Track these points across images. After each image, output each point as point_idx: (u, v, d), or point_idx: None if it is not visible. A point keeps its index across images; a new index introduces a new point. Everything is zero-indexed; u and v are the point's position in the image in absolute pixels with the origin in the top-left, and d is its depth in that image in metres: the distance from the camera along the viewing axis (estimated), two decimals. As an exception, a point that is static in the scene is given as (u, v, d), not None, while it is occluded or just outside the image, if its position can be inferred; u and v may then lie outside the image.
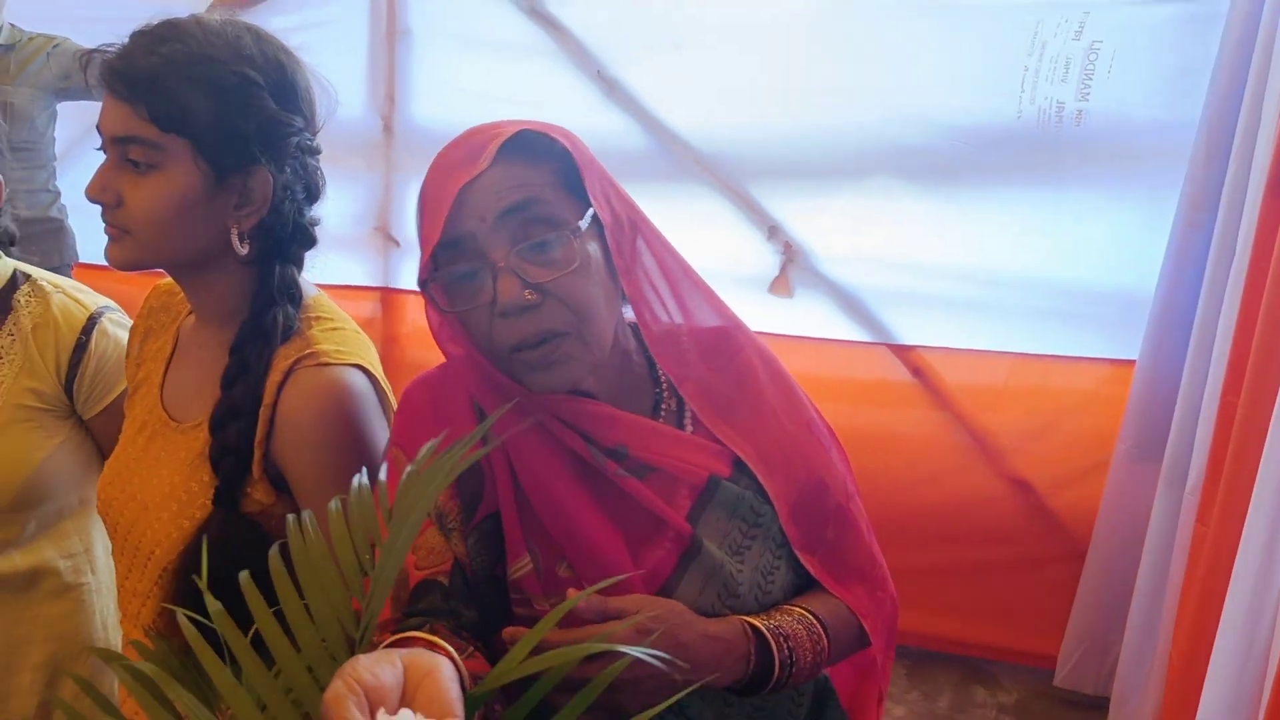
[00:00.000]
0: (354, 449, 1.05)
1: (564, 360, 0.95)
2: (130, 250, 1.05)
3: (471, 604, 0.98)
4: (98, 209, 1.08)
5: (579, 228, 0.94)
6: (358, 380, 1.08)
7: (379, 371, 1.12)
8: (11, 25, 2.97)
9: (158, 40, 1.03)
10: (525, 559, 0.99)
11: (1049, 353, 2.71)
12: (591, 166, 0.97)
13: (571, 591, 0.87)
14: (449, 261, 0.95)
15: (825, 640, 0.99)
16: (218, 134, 1.02)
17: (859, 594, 1.06)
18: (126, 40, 1.05)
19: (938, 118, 2.63)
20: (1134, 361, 2.56)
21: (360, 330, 1.15)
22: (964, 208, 2.70)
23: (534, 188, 0.94)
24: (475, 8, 2.92)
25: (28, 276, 1.43)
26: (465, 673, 0.71)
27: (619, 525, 0.98)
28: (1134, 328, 2.54)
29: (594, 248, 0.96)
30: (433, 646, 0.79)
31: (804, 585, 1.06)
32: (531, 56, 2.88)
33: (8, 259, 1.44)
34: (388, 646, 0.80)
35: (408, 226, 3.16)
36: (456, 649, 0.82)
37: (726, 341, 1.09)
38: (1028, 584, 2.81)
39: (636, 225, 1.01)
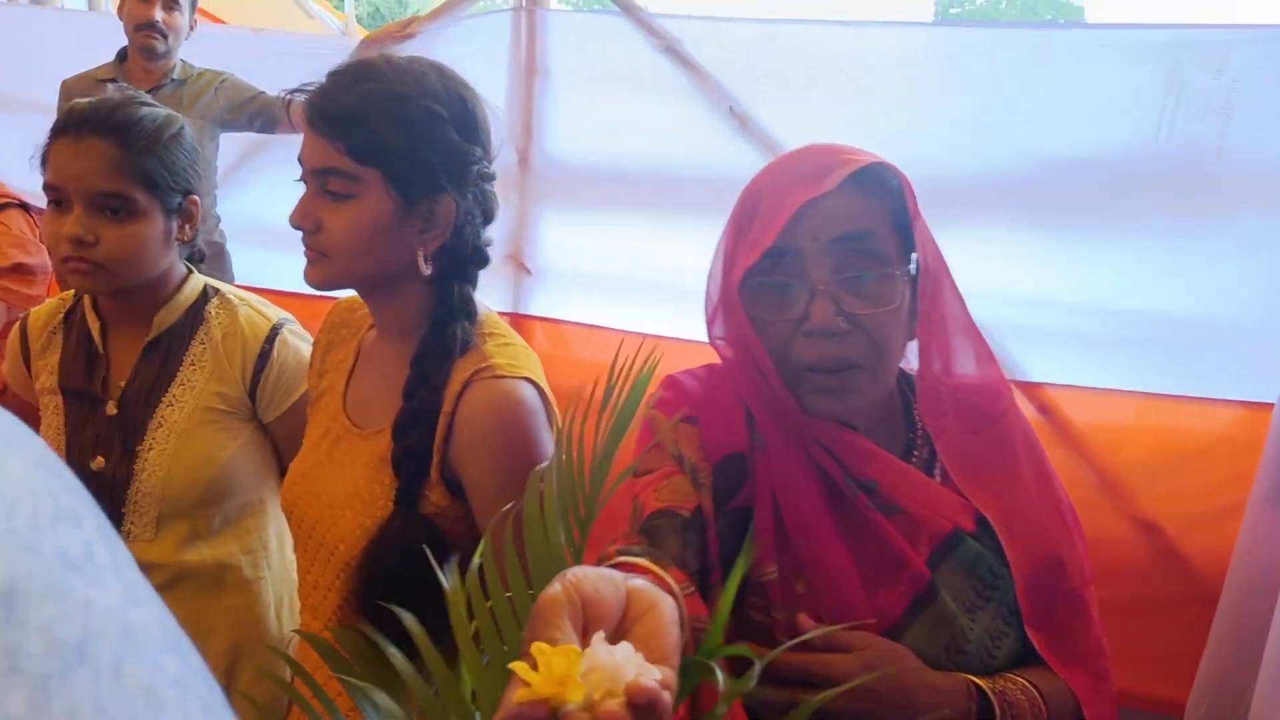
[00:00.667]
0: (524, 456, 1.13)
1: (852, 391, 0.98)
2: (327, 271, 1.15)
3: (699, 553, 0.99)
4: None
5: (907, 270, 0.98)
6: (529, 392, 1.15)
7: (546, 385, 1.19)
8: (183, 61, 3.19)
9: (354, 80, 1.13)
10: (772, 567, 1.00)
11: (1181, 393, 2.67)
12: (919, 212, 1.00)
13: (803, 617, 0.89)
14: (765, 269, 0.97)
15: (1045, 717, 0.98)
16: (408, 165, 1.11)
17: (1082, 680, 1.04)
18: (324, 80, 1.16)
19: (1070, 154, 2.62)
20: (1270, 405, 2.50)
21: (528, 346, 1.24)
22: (1095, 244, 2.69)
23: (871, 221, 0.97)
24: (611, 46, 3.03)
25: (216, 290, 1.56)
26: (686, 617, 0.67)
27: (857, 558, 0.99)
28: (1270, 370, 2.49)
29: (906, 291, 0.99)
30: (658, 581, 0.74)
31: (1027, 659, 1.04)
32: (665, 93, 2.96)
33: (199, 275, 1.57)
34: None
35: (540, 255, 3.27)
36: (678, 581, 0.79)
37: (989, 403, 1.08)
38: (1156, 627, 2.75)
39: (940, 274, 1.03)
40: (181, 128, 1.48)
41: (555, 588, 0.54)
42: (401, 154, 1.10)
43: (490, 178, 1.20)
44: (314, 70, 3.29)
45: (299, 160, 1.15)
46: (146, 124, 1.42)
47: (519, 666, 0.50)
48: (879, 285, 0.97)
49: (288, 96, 1.20)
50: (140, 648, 0.32)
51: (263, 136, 3.27)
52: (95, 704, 0.29)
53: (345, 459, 1.22)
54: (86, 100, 1.44)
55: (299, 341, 1.55)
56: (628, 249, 2.95)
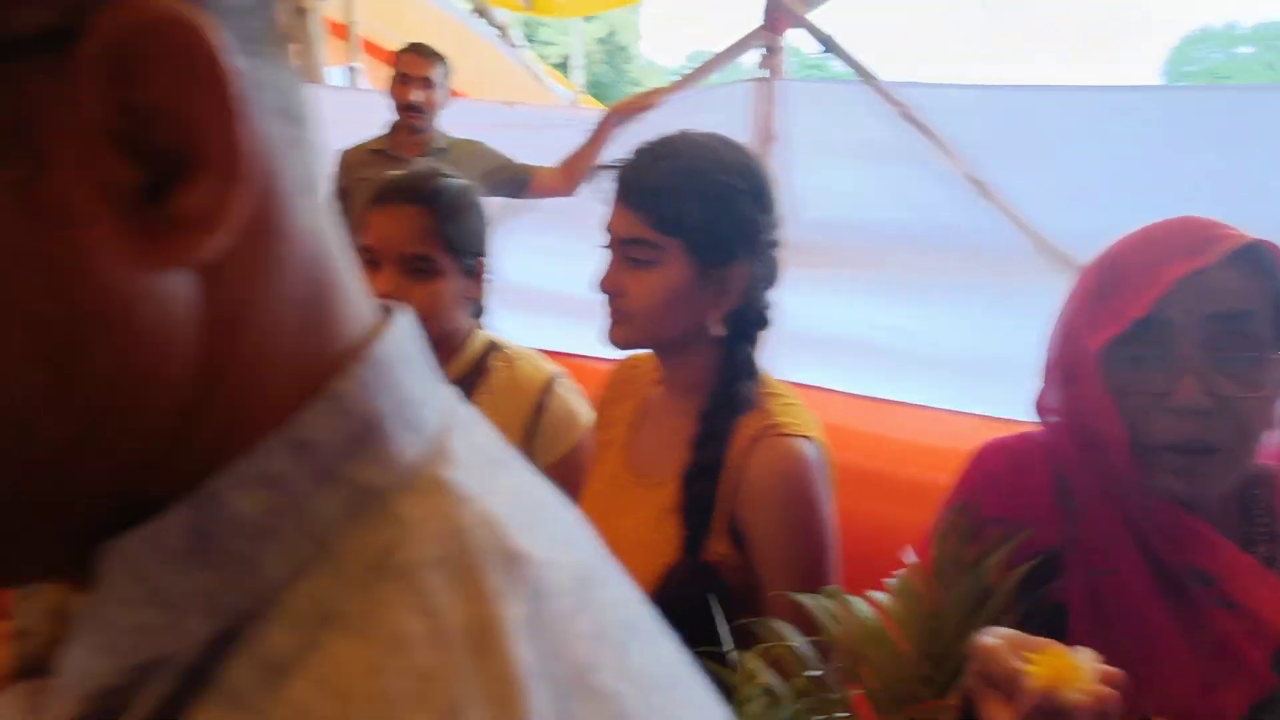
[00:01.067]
0: (806, 511, 1.18)
1: (1206, 476, 0.94)
2: (629, 333, 1.24)
3: None
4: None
5: None
6: (812, 450, 1.21)
7: (826, 444, 1.24)
8: (442, 132, 3.45)
9: (657, 157, 1.23)
10: None
11: None
12: None
13: None
14: (1126, 340, 0.95)
15: None
16: (707, 235, 1.20)
17: None
18: (630, 155, 1.26)
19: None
20: None
21: (807, 406, 1.29)
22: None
23: (1251, 301, 0.93)
24: (848, 114, 3.08)
25: (497, 345, 1.69)
26: None
27: (1191, 654, 0.94)
28: None
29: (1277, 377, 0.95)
30: None
31: None
32: (901, 159, 2.99)
33: (482, 330, 1.70)
34: None
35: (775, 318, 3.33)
36: None
37: None
38: None
39: None
40: (477, 196, 1.62)
41: (990, 639, 0.62)
42: (701, 225, 1.19)
43: (777, 244, 1.27)
44: (552, 139, 3.46)
45: (605, 229, 1.25)
46: (451, 192, 1.57)
47: (1034, 670, 0.61)
48: (1254, 368, 0.93)
49: (596, 170, 1.30)
50: (656, 630, 0.39)
51: (507, 201, 3.48)
52: (652, 667, 0.36)
53: (629, 507, 1.29)
54: (400, 172, 1.60)
55: (570, 395, 1.65)
56: (863, 313, 2.98)
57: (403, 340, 0.38)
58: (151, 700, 0.32)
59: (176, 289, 0.32)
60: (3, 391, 0.30)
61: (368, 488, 0.35)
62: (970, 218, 2.87)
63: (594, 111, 3.88)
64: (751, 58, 3.38)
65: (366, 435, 0.35)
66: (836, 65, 3.29)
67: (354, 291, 0.38)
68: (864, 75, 3.00)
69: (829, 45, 3.05)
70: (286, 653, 0.32)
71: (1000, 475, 1.05)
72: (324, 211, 0.38)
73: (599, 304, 1.26)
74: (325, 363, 0.36)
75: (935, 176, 2.94)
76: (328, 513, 0.34)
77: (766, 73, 3.22)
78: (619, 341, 1.25)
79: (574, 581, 0.36)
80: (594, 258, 1.27)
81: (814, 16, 3.21)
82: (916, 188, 2.95)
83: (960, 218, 2.86)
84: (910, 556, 0.98)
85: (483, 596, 0.32)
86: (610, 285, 1.24)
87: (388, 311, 0.40)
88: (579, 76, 6.37)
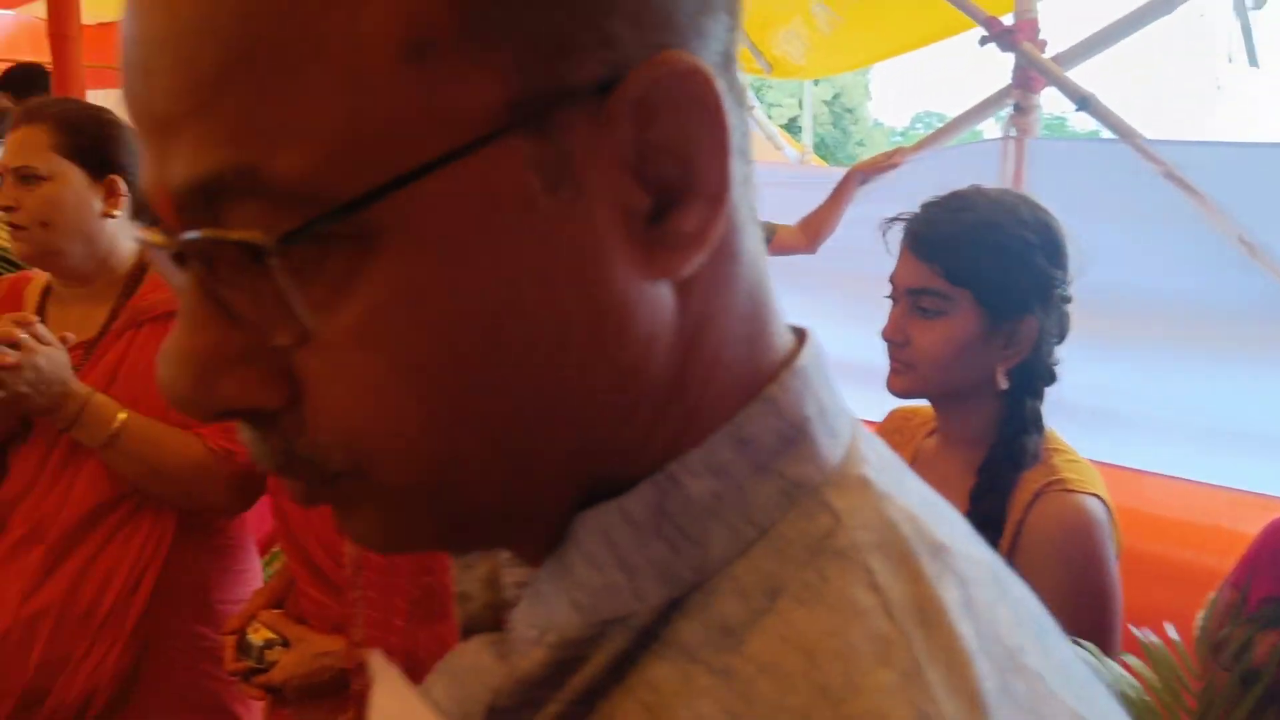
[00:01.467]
0: (1092, 570, 1.15)
1: None
2: (911, 382, 1.26)
3: None
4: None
5: None
6: (1098, 509, 1.18)
7: (1111, 502, 1.21)
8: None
9: (952, 210, 1.25)
10: None
11: None
12: None
13: None
14: None
15: None
16: (999, 288, 1.20)
17: None
18: (921, 209, 1.28)
19: None
20: None
21: (1091, 465, 1.26)
22: None
23: None
24: (1103, 174, 2.98)
25: None
26: None
27: None
28: None
29: None
30: None
31: None
32: (1164, 220, 2.86)
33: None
34: None
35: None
36: None
37: None
38: None
39: None
40: None
41: None
42: (994, 277, 1.20)
43: (1068, 299, 1.26)
44: (781, 197, 3.49)
45: (890, 280, 1.28)
46: None
47: None
48: None
49: (886, 224, 1.32)
50: (1059, 631, 0.41)
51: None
52: (1066, 662, 0.38)
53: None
54: None
55: None
56: (1123, 380, 2.84)
57: (818, 356, 0.42)
58: (609, 652, 0.37)
59: (664, 298, 0.37)
60: (535, 375, 0.35)
61: (799, 482, 0.38)
62: (1241, 282, 2.71)
63: (822, 170, 3.90)
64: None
65: (796, 436, 0.39)
66: (1074, 124, 3.20)
67: (777, 310, 0.42)
68: (1125, 133, 2.89)
69: (1086, 104, 2.97)
70: (738, 618, 0.36)
71: None
72: (761, 239, 0.42)
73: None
74: (761, 371, 0.40)
75: (1202, 239, 2.80)
76: (765, 500, 0.38)
77: (1014, 131, 3.16)
78: (900, 390, 1.27)
79: (990, 575, 0.39)
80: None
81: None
82: (1181, 250, 2.82)
83: (1230, 282, 2.71)
84: (1171, 631, 0.94)
85: (922, 578, 0.35)
86: (895, 334, 1.26)
87: (798, 331, 0.44)
88: (807, 137, 6.42)
